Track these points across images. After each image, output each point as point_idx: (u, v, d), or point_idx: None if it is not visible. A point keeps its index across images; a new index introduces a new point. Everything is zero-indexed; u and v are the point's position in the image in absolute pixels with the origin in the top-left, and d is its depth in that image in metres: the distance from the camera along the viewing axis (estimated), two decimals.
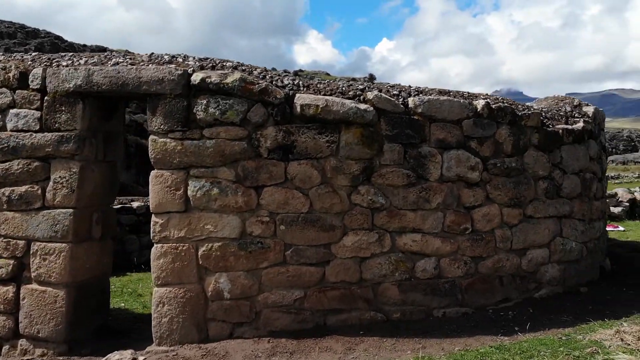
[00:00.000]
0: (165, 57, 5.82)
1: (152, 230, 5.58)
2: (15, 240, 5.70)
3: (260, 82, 5.62)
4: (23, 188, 5.66)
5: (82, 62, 5.72)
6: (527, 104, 7.72)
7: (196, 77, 5.51)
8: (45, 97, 5.61)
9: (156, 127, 5.54)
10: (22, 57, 6.01)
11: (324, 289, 5.80)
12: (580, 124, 7.56)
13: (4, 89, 5.72)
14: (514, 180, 6.60)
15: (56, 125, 5.60)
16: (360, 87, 6.09)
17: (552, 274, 7.05)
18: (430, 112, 6.06)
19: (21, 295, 5.70)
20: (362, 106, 5.79)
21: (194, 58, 5.85)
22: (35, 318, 5.66)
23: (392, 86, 6.31)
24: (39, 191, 5.64)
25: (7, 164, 5.69)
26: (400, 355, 5.15)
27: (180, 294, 5.54)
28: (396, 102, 5.98)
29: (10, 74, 5.72)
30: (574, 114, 7.80)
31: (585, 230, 7.59)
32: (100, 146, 5.94)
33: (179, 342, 5.51)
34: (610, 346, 5.16)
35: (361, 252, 5.87)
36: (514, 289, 6.66)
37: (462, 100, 6.28)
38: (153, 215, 5.59)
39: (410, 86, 6.38)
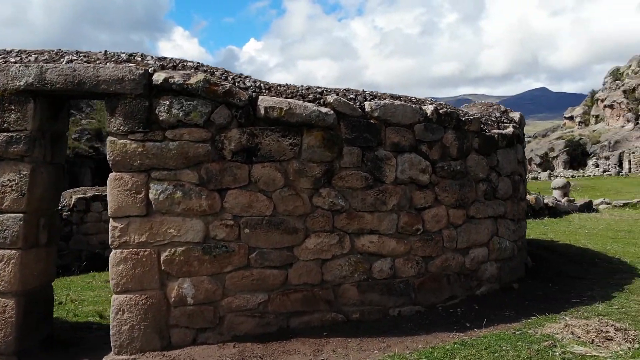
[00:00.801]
0: (122, 55, 5.67)
1: (110, 235, 5.41)
2: None
3: (224, 83, 5.62)
4: None
5: (32, 58, 5.46)
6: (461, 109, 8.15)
7: (158, 77, 5.41)
8: None
9: (115, 128, 5.38)
10: None
11: (287, 291, 5.86)
12: (510, 129, 8.08)
13: None
14: (459, 183, 6.96)
15: (5, 125, 5.30)
16: (319, 90, 6.22)
17: (490, 272, 7.49)
18: (385, 116, 6.28)
19: None
20: (324, 109, 5.92)
21: (152, 57, 5.73)
22: None
23: (347, 90, 6.48)
24: None
25: None
26: (369, 355, 5.32)
27: (142, 301, 5.42)
28: (354, 106, 6.15)
29: None
30: (503, 119, 8.31)
31: (516, 229, 8.11)
32: (49, 147, 5.70)
33: (140, 350, 5.40)
34: (562, 339, 5.58)
35: (323, 254, 5.98)
36: (459, 287, 7.01)
37: (413, 105, 6.55)
38: (111, 219, 5.43)
39: (364, 90, 6.58)
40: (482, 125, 7.40)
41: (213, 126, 5.55)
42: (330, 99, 6.01)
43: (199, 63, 5.81)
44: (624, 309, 6.77)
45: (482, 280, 7.32)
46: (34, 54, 5.55)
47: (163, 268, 5.46)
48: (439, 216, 6.69)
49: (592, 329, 5.76)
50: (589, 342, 5.49)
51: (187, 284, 5.50)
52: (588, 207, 19.94)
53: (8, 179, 5.33)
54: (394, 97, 6.70)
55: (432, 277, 6.65)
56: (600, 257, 10.46)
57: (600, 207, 20.72)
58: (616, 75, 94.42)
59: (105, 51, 5.67)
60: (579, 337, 5.61)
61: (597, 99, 79.50)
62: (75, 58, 5.50)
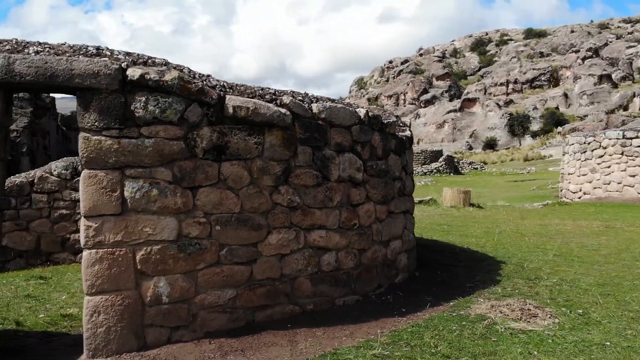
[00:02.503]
0: (90, 48, 5.56)
1: (84, 235, 5.32)
2: None
3: (196, 81, 5.80)
4: None
5: None
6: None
7: (134, 73, 5.44)
8: None
9: (89, 124, 5.29)
10: None
11: (252, 286, 6.13)
12: (408, 132, 9.12)
13: None
14: (384, 181, 7.75)
15: None
16: (272, 91, 6.63)
17: (404, 262, 8.40)
18: (330, 118, 6.83)
19: None
20: (283, 110, 6.33)
21: (119, 52, 5.72)
22: None
23: (293, 92, 6.99)
24: None
25: None
26: (342, 342, 5.80)
27: (118, 302, 5.40)
28: (306, 107, 6.66)
29: None
30: (399, 123, 9.36)
31: (413, 223, 9.22)
32: (2, 143, 5.51)
33: (116, 352, 5.37)
34: (495, 317, 6.57)
35: (282, 249, 6.35)
36: (383, 276, 7.78)
37: (350, 109, 7.22)
38: (84, 219, 5.34)
39: (307, 93, 7.13)
40: (396, 128, 8.33)
41: (186, 124, 5.70)
42: (286, 99, 6.46)
43: (165, 60, 5.93)
44: (517, 290, 8.05)
45: (398, 269, 8.19)
46: None
47: (139, 267, 5.48)
48: (369, 212, 7.42)
49: (516, 308, 6.85)
50: (518, 319, 6.55)
51: (163, 282, 5.61)
52: None
53: None
54: (330, 99, 7.33)
55: (366, 268, 7.34)
56: (453, 248, 11.93)
57: None
58: (360, 84, 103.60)
59: (74, 44, 5.59)
60: (508, 315, 6.64)
61: None
62: (41, 50, 5.35)
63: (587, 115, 61.87)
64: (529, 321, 6.43)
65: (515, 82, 79.41)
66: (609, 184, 25.79)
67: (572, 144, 27.64)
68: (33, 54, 5.21)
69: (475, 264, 10.01)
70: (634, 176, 24.88)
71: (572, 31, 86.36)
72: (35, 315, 7.23)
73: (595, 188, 26.23)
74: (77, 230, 11.53)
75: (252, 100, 6.11)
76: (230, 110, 5.93)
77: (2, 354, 5.75)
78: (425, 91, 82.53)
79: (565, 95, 69.88)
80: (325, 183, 6.72)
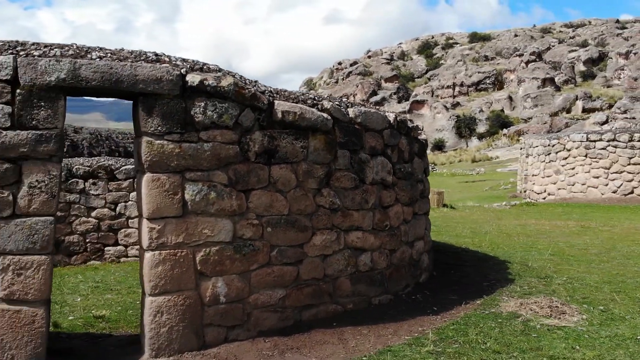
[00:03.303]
0: (150, 54, 5.79)
1: (146, 237, 5.55)
2: None
3: (249, 87, 6.09)
4: None
5: (57, 53, 5.42)
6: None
7: (193, 79, 5.69)
8: (18, 90, 5.17)
9: (152, 129, 5.53)
10: None
11: (299, 286, 6.42)
12: (424, 135, 9.54)
13: None
14: (410, 183, 8.12)
15: (33, 122, 5.15)
16: (311, 96, 6.95)
17: (426, 262, 8.79)
18: (365, 122, 7.16)
19: None
20: (325, 115, 6.64)
21: (175, 58, 5.98)
22: (9, 343, 5.11)
23: (330, 97, 7.32)
24: (10, 197, 5.19)
25: None
26: (389, 339, 6.13)
27: (180, 302, 5.63)
28: (344, 112, 7.00)
29: None
30: (415, 127, 9.77)
31: (430, 224, 9.62)
32: (62, 148, 5.67)
33: (178, 351, 5.61)
34: (527, 315, 7.00)
35: (325, 250, 6.64)
36: (410, 276, 8.14)
37: (382, 113, 7.59)
38: (147, 221, 5.54)
39: (341, 98, 7.47)
40: (418, 132, 8.72)
41: (239, 128, 5.97)
42: (327, 104, 6.77)
43: (217, 66, 6.19)
44: (534, 289, 8.50)
45: (422, 269, 8.56)
46: (56, 47, 5.50)
47: (199, 268, 5.73)
48: (398, 213, 7.77)
49: (544, 306, 7.27)
50: (548, 315, 6.98)
51: (221, 282, 5.86)
52: None
53: (36, 180, 5.20)
54: (362, 104, 7.70)
55: (396, 268, 7.69)
56: (452, 249, 12.34)
57: None
58: (310, 85, 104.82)
59: (130, 50, 5.81)
60: (538, 313, 7.07)
61: None
62: (103, 55, 5.55)
63: (531, 118, 63.62)
64: (559, 318, 6.85)
65: (462, 84, 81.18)
66: (573, 185, 26.98)
67: (537, 146, 28.74)
68: (98, 60, 5.41)
69: (481, 264, 10.44)
70: (597, 177, 26.11)
71: (516, 35, 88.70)
72: (65, 317, 7.38)
73: (559, 189, 27.40)
74: (72, 232, 11.66)
75: (298, 105, 6.41)
76: (279, 115, 6.22)
77: (54, 355, 5.91)
78: (374, 93, 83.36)
79: (510, 98, 71.67)
80: (361, 186, 7.05)
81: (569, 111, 59.24)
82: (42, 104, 5.21)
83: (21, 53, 5.25)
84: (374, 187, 7.24)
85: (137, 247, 12.31)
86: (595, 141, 26.34)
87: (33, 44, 5.47)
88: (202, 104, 5.73)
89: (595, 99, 56.10)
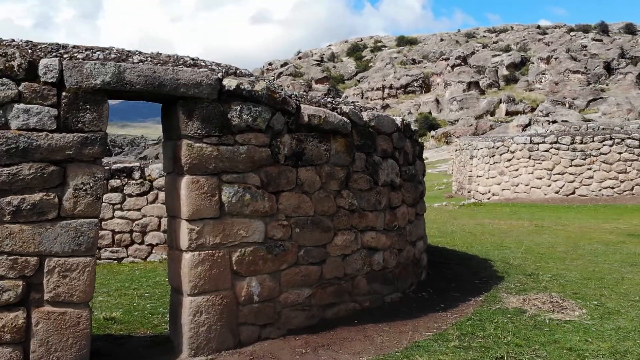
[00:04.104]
0: (187, 59, 5.97)
1: (186, 238, 5.71)
2: (24, 258, 5.11)
3: (280, 91, 6.35)
4: (37, 196, 5.13)
5: (100, 56, 5.53)
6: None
7: (230, 83, 5.90)
8: (63, 93, 5.27)
9: (192, 132, 5.71)
10: (20, 42, 5.42)
11: (323, 285, 6.69)
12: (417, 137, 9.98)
13: (5, 80, 5.06)
14: (414, 185, 8.51)
15: (79, 125, 5.25)
16: (330, 100, 7.22)
17: (425, 260, 9.18)
18: (378, 126, 7.48)
19: (33, 321, 5.20)
20: (345, 118, 6.97)
21: (210, 63, 6.17)
22: (54, 345, 5.21)
23: (345, 101, 7.62)
24: (56, 199, 5.28)
25: (13, 167, 5.07)
26: (412, 336, 6.45)
27: (218, 301, 5.83)
28: (360, 115, 7.32)
29: (14, 63, 5.12)
30: (416, 130, 10.19)
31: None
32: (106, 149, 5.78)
33: (216, 350, 5.82)
34: (532, 310, 7.47)
35: (345, 249, 6.92)
36: (413, 274, 8.52)
37: (391, 117, 7.95)
38: (187, 222, 5.70)
39: (354, 102, 7.78)
40: (416, 134, 9.12)
41: (271, 132, 6.19)
42: (345, 108, 7.07)
43: (247, 70, 6.42)
44: (526, 285, 9.01)
45: (422, 267, 8.97)
46: (97, 50, 5.60)
47: (234, 268, 5.95)
48: (405, 214, 8.14)
49: (546, 301, 7.78)
50: (551, 310, 7.48)
51: (254, 282, 6.08)
52: None
53: (82, 182, 5.31)
54: (367, 108, 8.04)
55: (403, 267, 8.05)
56: (433, 247, 12.79)
57: None
58: None
59: (167, 54, 5.96)
60: (541, 308, 7.56)
61: None
62: (143, 59, 5.68)
63: (457, 120, 65.56)
64: (562, 312, 7.36)
65: (391, 87, 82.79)
66: (517, 185, 28.34)
67: (481, 148, 29.98)
68: (140, 64, 5.57)
69: (466, 262, 10.94)
70: (540, 178, 27.54)
71: (442, 39, 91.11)
72: None
73: (504, 189, 28.75)
74: None
75: (322, 109, 6.69)
76: (306, 118, 6.48)
77: (99, 356, 6.01)
78: (305, 94, 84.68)
79: (437, 101, 73.59)
80: (375, 187, 7.38)
81: (493, 114, 61.25)
82: (88, 106, 5.33)
83: (65, 56, 5.36)
84: (385, 188, 7.59)
85: (112, 249, 12.39)
86: (538, 144, 27.79)
87: (74, 46, 5.58)
88: (238, 108, 5.95)
89: (518, 102, 58.26)
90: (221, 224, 5.90)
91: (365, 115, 7.32)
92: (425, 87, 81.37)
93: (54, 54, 5.35)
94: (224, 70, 6.08)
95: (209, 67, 6.02)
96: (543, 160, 27.83)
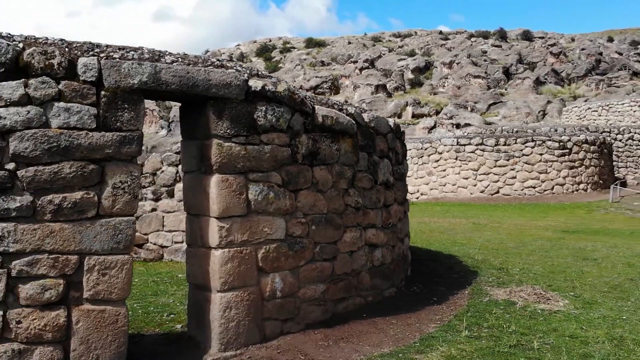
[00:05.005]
0: (213, 59, 6.17)
1: (216, 235, 5.90)
2: (65, 256, 5.20)
3: (298, 92, 6.63)
4: (77, 194, 5.21)
5: (135, 56, 5.63)
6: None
7: (256, 84, 6.13)
8: (102, 92, 5.36)
9: (222, 131, 5.91)
10: (55, 41, 5.44)
11: (335, 280, 7.00)
12: None
13: (46, 78, 5.15)
14: (403, 183, 8.96)
15: (117, 124, 5.36)
16: (335, 102, 7.55)
17: (409, 257, 9.66)
18: (377, 127, 7.87)
19: (74, 319, 5.27)
20: (351, 119, 7.33)
21: (234, 64, 6.38)
22: (94, 343, 5.30)
23: (347, 103, 7.97)
24: (95, 198, 5.36)
25: (54, 166, 5.14)
26: (420, 328, 6.87)
27: (245, 297, 6.04)
28: (363, 117, 7.68)
29: (54, 61, 5.18)
30: (403, 131, 10.66)
31: None
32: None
33: (244, 344, 6.02)
34: (520, 301, 8.05)
35: (352, 246, 7.26)
36: (402, 270, 8.90)
37: (387, 118, 8.37)
38: (217, 220, 5.89)
39: (350, 103, 8.11)
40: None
41: (290, 132, 6.46)
42: (350, 110, 7.42)
43: (266, 71, 6.66)
44: (501, 279, 9.63)
45: (407, 263, 9.44)
46: (131, 50, 5.71)
47: (260, 265, 6.19)
48: (396, 211, 8.56)
49: (530, 293, 8.38)
50: (538, 301, 8.08)
51: (278, 278, 6.34)
52: None
53: (120, 181, 5.42)
54: (363, 110, 8.42)
55: (396, 263, 8.46)
56: None
57: None
58: None
59: (195, 55, 6.13)
60: (527, 299, 8.15)
61: None
62: (174, 59, 5.84)
63: None
64: (548, 303, 7.97)
65: (301, 88, 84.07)
66: (445, 185, 30.05)
67: (409, 149, 31.27)
68: (174, 64, 5.74)
69: (436, 259, 11.51)
70: (467, 179, 29.26)
71: (349, 42, 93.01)
72: None
73: (432, 189, 30.34)
74: None
75: (333, 110, 7.03)
76: (320, 119, 6.80)
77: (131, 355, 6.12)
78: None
79: (347, 103, 75.31)
80: (375, 186, 7.78)
81: (400, 116, 62.97)
82: (126, 106, 5.46)
83: (101, 55, 5.48)
84: (381, 187, 8.00)
85: None
86: (464, 145, 29.44)
87: (107, 45, 5.70)
88: (264, 108, 6.20)
89: (423, 105, 60.06)
90: (248, 221, 6.14)
91: (365, 117, 7.70)
92: (335, 89, 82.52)
93: (90, 52, 5.46)
94: (248, 72, 6.32)
95: (235, 68, 6.26)
96: (469, 161, 29.49)
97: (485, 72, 62.67)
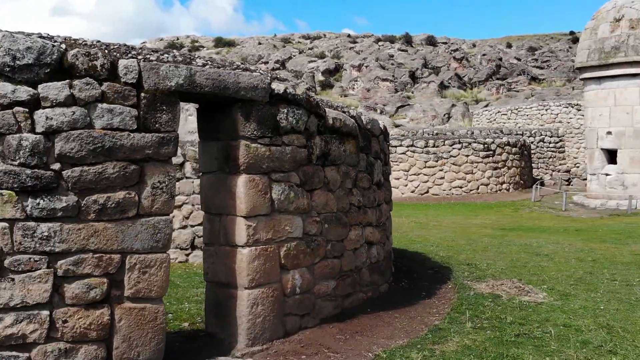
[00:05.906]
0: (238, 63, 6.42)
1: (244, 234, 6.15)
2: (109, 255, 5.33)
3: (313, 96, 6.96)
4: (120, 194, 5.35)
5: (170, 59, 5.79)
6: None
7: (279, 87, 6.41)
8: (142, 94, 5.51)
9: (249, 133, 6.17)
10: (95, 42, 5.52)
11: (342, 277, 7.35)
12: None
13: (89, 79, 5.25)
14: (389, 184, 9.43)
15: (156, 125, 5.52)
16: (339, 105, 7.93)
17: (392, 254, 10.15)
18: (372, 128, 8.29)
19: (116, 317, 5.40)
20: (354, 121, 7.73)
21: (255, 67, 6.64)
22: (135, 340, 5.45)
23: (344, 106, 8.36)
24: (136, 197, 5.50)
25: (99, 166, 5.26)
26: (424, 320, 7.36)
27: (270, 294, 6.32)
28: (362, 119, 8.09)
29: (97, 63, 5.29)
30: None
31: None
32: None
33: (269, 339, 6.29)
34: (504, 295, 8.65)
35: (356, 244, 7.63)
36: (389, 267, 9.41)
37: (378, 121, 8.81)
38: (244, 219, 6.14)
39: (347, 106, 8.52)
40: None
41: (306, 133, 6.77)
42: (353, 112, 7.81)
43: (281, 76, 6.95)
44: (474, 274, 10.24)
45: (391, 260, 9.91)
46: (164, 53, 5.88)
47: (282, 262, 6.49)
48: (385, 210, 8.99)
49: (511, 287, 8.99)
50: (520, 294, 8.71)
51: (297, 275, 6.64)
52: None
53: (158, 181, 5.60)
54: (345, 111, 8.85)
55: (386, 259, 8.92)
56: None
57: None
58: None
59: (220, 58, 6.35)
60: (510, 292, 8.74)
61: None
62: (205, 62, 6.04)
63: None
64: (529, 295, 8.60)
65: None
66: None
67: None
68: (207, 67, 5.98)
69: (407, 256, 11.98)
70: (398, 179, 30.20)
71: (260, 43, 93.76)
72: None
73: None
74: None
75: (341, 113, 7.41)
76: (330, 121, 7.16)
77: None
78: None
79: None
80: (372, 186, 8.21)
81: None
82: (164, 107, 5.66)
83: (139, 57, 5.67)
84: (375, 186, 8.44)
85: None
86: (396, 146, 30.49)
87: (142, 48, 5.88)
88: (285, 111, 6.51)
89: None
90: (272, 220, 6.44)
91: (363, 119, 8.12)
92: None
93: (129, 55, 5.62)
94: (269, 75, 6.62)
95: (258, 71, 6.54)
96: (400, 162, 30.55)
97: (393, 76, 64.45)
